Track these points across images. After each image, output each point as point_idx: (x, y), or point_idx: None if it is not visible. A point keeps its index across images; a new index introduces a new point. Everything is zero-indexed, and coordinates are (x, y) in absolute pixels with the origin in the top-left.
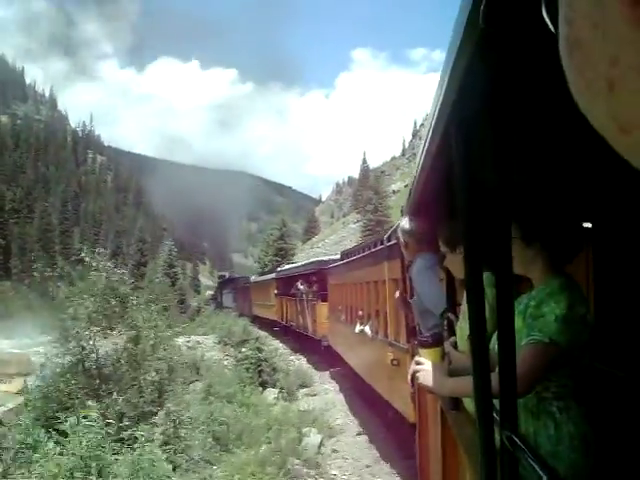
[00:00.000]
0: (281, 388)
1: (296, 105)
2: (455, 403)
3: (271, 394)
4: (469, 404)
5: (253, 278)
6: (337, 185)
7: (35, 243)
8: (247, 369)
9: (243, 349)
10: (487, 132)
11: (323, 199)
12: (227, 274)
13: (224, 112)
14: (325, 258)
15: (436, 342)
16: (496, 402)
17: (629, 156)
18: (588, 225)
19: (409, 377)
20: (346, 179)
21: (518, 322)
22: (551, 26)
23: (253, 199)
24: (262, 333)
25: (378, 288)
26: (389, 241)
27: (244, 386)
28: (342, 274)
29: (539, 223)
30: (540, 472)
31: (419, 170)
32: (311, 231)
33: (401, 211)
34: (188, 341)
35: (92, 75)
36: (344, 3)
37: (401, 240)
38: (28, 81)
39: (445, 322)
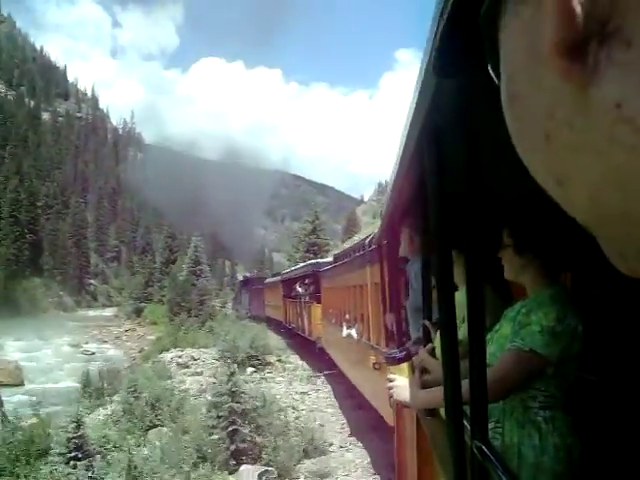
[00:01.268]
0: (267, 464)
1: (340, 105)
2: (430, 409)
3: None
4: (443, 411)
5: (267, 280)
6: (379, 185)
7: (68, 239)
8: (211, 432)
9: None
10: (459, 141)
11: (365, 199)
12: (248, 274)
13: (267, 112)
14: (321, 261)
15: (403, 359)
16: (467, 409)
17: (565, 207)
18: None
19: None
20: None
21: (507, 328)
22: (496, 80)
23: (295, 199)
24: (279, 342)
25: (362, 292)
26: (370, 246)
27: (199, 464)
28: (332, 277)
29: (531, 233)
30: None
31: (394, 178)
32: (351, 229)
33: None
34: (180, 356)
35: (136, 75)
36: (388, 3)
37: (406, 237)
38: (71, 79)
39: (421, 329)
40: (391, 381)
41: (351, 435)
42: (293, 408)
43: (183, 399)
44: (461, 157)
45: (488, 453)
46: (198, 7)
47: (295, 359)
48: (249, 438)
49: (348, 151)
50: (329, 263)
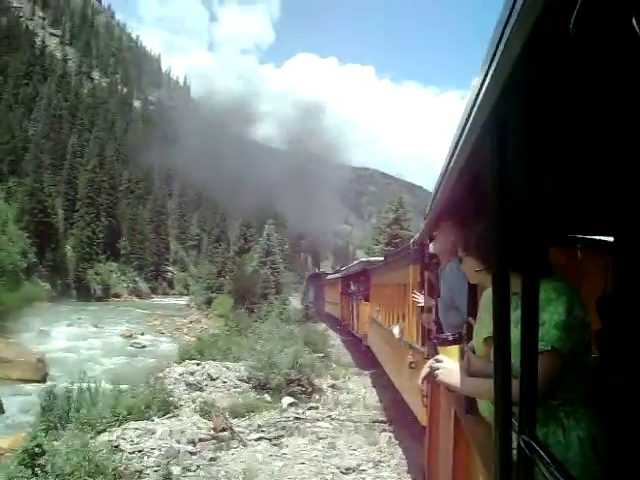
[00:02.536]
0: None
1: (431, 104)
2: (470, 406)
3: None
4: (484, 409)
5: (329, 276)
6: None
7: (147, 225)
8: None
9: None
10: (523, 136)
11: None
12: (316, 269)
13: (360, 108)
14: (372, 259)
15: (456, 341)
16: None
17: None
18: (609, 239)
19: (422, 376)
20: None
21: (515, 332)
22: (638, 30)
23: (382, 197)
24: (341, 353)
25: (405, 291)
26: (414, 246)
27: None
28: (380, 276)
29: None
30: (558, 476)
31: (448, 172)
32: None
33: (424, 216)
34: (192, 372)
35: (231, 69)
36: (481, 4)
37: (442, 240)
38: (164, 69)
39: (465, 326)
40: (438, 361)
41: None
42: None
43: None
44: (524, 152)
45: (536, 447)
46: (295, 3)
47: (359, 382)
48: None
49: (438, 151)
50: (379, 262)
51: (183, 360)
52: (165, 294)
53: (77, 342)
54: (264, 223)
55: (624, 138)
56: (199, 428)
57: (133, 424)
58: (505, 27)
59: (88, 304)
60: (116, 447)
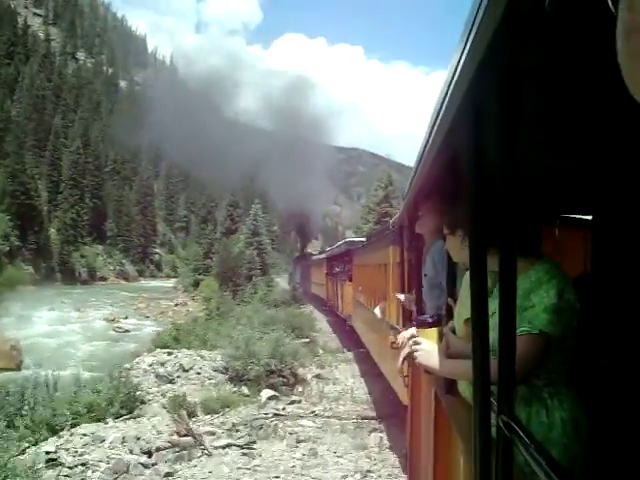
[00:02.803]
0: None
1: (421, 84)
2: (450, 387)
3: None
4: (464, 389)
5: (314, 257)
6: None
7: (133, 207)
8: None
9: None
10: (500, 114)
11: None
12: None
13: (348, 89)
14: (355, 239)
15: (435, 323)
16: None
17: None
18: (588, 217)
19: (401, 358)
20: None
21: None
22: (613, 9)
23: (372, 177)
24: (329, 338)
25: (386, 271)
26: (394, 226)
27: None
28: (363, 256)
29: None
30: (537, 456)
31: (426, 152)
32: None
33: (403, 196)
34: (163, 363)
35: (219, 50)
36: None
37: (426, 220)
38: (150, 49)
39: (444, 306)
40: (417, 343)
41: None
42: None
43: None
44: (502, 130)
45: (515, 427)
46: None
47: (347, 371)
48: None
49: None
50: (362, 242)
51: (157, 348)
52: (153, 277)
53: (57, 327)
54: (252, 203)
55: (601, 116)
56: (159, 433)
57: (83, 428)
58: (480, 5)
59: (73, 287)
60: (53, 461)
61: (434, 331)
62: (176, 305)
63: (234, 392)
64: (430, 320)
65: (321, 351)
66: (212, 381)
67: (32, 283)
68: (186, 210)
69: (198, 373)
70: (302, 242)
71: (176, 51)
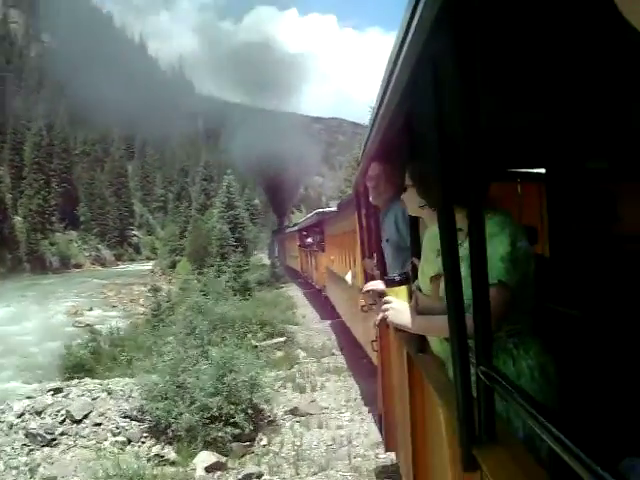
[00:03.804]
0: None
1: None
2: (422, 345)
3: None
4: (435, 345)
5: (288, 229)
6: None
7: (106, 189)
8: None
9: None
10: (456, 73)
11: None
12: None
13: (323, 59)
14: (327, 210)
15: (403, 281)
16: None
17: None
18: (541, 170)
19: (377, 320)
20: None
21: (462, 267)
22: None
23: (352, 146)
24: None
25: (354, 238)
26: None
27: None
28: (333, 225)
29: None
30: (520, 400)
31: (382, 111)
32: None
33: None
34: (41, 411)
35: (191, 26)
36: None
37: (371, 184)
38: (118, 25)
39: (410, 265)
40: (387, 302)
41: None
42: None
43: None
44: (458, 87)
45: (495, 375)
46: None
47: (340, 392)
48: None
49: None
50: (333, 212)
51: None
52: (132, 260)
53: (8, 327)
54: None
55: (553, 72)
56: None
57: None
58: None
59: (44, 277)
60: None
61: (403, 290)
62: (149, 291)
63: (150, 459)
64: (398, 278)
65: (302, 355)
66: (117, 438)
67: None
68: (163, 189)
69: (97, 424)
70: (278, 215)
71: (146, 29)
